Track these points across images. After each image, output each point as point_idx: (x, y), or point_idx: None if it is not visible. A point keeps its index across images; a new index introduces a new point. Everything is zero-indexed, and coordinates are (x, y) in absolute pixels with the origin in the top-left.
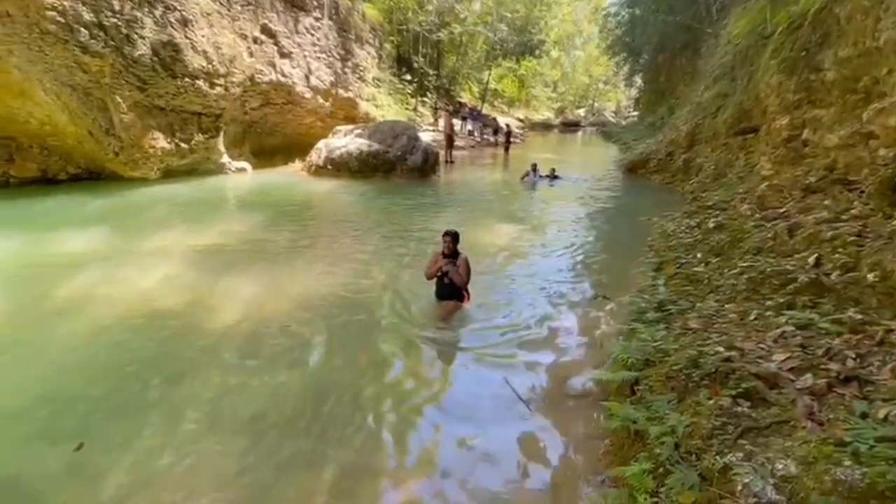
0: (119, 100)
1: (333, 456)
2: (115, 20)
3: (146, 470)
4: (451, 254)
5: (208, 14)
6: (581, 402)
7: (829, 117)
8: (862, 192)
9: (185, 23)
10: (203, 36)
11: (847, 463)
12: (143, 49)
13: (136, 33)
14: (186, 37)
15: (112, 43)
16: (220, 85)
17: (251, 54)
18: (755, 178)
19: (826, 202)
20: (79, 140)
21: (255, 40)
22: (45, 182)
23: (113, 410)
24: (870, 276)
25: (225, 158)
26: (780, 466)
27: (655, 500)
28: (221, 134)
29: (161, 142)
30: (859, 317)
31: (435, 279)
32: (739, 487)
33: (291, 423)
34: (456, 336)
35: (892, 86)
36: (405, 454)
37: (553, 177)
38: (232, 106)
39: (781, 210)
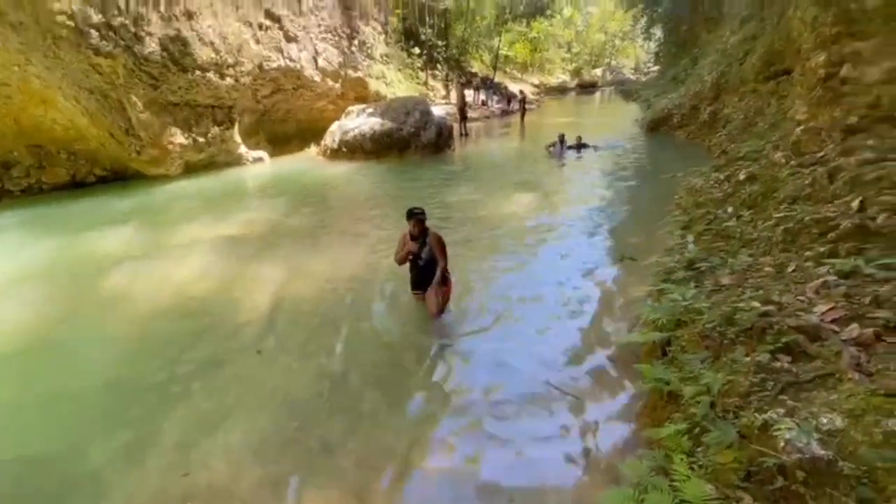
0: (135, 99)
1: (364, 435)
2: (122, 19)
3: (188, 447)
4: (420, 234)
5: (211, 4)
6: (611, 367)
7: (871, 50)
8: None
9: (189, 15)
10: (209, 27)
11: None
12: (152, 46)
13: (144, 30)
14: (192, 29)
15: (122, 42)
16: (230, 75)
17: (258, 41)
18: (789, 123)
19: (870, 142)
20: (101, 142)
21: (261, 26)
22: (75, 186)
23: (158, 394)
24: None
25: (242, 149)
26: (825, 420)
27: (693, 460)
28: (236, 125)
29: (179, 137)
30: None
31: (409, 264)
32: (782, 444)
33: (325, 404)
34: (469, 311)
35: None
36: (435, 430)
37: (580, 146)
38: (243, 96)
39: (820, 154)
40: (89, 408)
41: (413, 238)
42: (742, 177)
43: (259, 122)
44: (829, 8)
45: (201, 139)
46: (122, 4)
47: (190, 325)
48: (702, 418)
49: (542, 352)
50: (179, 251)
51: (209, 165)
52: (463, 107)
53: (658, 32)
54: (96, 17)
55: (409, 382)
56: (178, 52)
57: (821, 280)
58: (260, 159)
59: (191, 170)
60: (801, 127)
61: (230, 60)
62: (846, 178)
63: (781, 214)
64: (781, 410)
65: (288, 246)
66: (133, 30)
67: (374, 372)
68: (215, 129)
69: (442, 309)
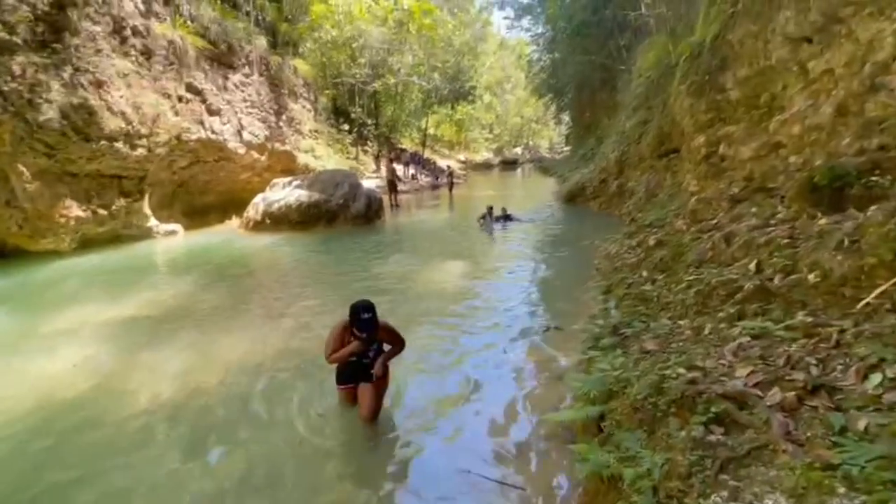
0: (22, 168)
1: None
2: (14, 85)
3: None
4: (372, 333)
5: (126, 75)
6: (547, 447)
7: (740, 132)
8: (782, 197)
9: (98, 84)
10: (121, 97)
11: (841, 491)
12: (49, 113)
13: (42, 97)
14: (101, 98)
15: (11, 108)
16: (143, 146)
17: (176, 113)
18: (684, 194)
19: (753, 210)
20: None
21: (181, 99)
22: None
23: None
24: (811, 277)
25: (152, 222)
26: (770, 503)
27: None
28: (146, 196)
29: (75, 210)
30: (810, 319)
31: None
32: None
33: None
34: (400, 404)
35: (790, 98)
36: None
37: (506, 217)
38: (157, 167)
39: (714, 221)
40: None
41: (361, 339)
42: (652, 242)
43: (174, 194)
44: (702, 98)
45: (103, 211)
46: (18, 71)
47: (54, 436)
48: None
49: (482, 445)
50: (57, 340)
51: (112, 240)
52: (393, 179)
53: (566, 117)
54: None
55: None
56: (81, 121)
57: (736, 342)
58: (173, 233)
59: (89, 244)
60: (695, 197)
61: (143, 131)
62: (740, 241)
63: (692, 277)
64: (725, 493)
65: (191, 329)
66: (27, 96)
67: (291, 495)
68: (121, 201)
69: (377, 410)
